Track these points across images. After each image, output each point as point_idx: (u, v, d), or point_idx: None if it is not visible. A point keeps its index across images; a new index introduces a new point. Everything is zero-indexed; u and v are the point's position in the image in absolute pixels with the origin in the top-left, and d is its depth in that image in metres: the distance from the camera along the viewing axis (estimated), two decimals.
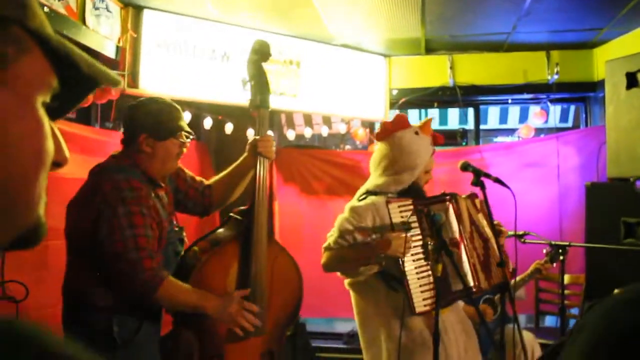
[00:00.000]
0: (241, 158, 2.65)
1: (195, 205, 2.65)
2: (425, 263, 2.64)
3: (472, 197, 2.93)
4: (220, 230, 2.56)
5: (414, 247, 2.65)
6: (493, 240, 2.83)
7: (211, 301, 2.31)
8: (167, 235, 2.35)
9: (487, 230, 2.85)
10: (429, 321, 2.66)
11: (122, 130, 2.47)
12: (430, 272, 2.62)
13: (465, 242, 2.74)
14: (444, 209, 2.75)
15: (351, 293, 2.89)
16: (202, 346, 2.40)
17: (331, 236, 2.79)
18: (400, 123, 2.86)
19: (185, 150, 2.44)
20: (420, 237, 2.66)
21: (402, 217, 2.66)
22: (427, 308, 2.61)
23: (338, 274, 2.88)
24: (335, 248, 2.74)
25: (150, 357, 2.37)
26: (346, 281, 2.88)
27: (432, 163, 2.89)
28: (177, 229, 2.47)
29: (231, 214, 2.56)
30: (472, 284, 2.65)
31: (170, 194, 2.51)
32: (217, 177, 2.71)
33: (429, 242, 2.60)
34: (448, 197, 2.78)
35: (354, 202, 2.84)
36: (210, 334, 2.41)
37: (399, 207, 2.69)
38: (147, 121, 2.34)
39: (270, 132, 2.64)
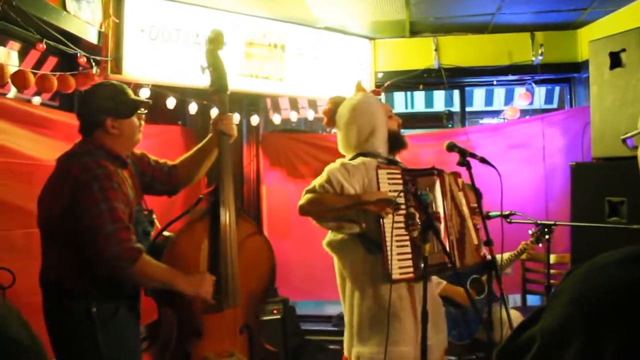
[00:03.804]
0: (206, 138, 2.78)
1: (162, 185, 2.74)
2: (405, 233, 2.64)
3: (456, 175, 2.96)
4: (191, 211, 2.67)
5: (397, 214, 2.64)
6: (469, 220, 2.87)
7: (182, 278, 2.41)
8: (136, 215, 2.42)
9: (465, 210, 2.88)
10: (401, 292, 2.69)
11: (78, 119, 2.51)
12: (408, 243, 2.64)
13: (447, 219, 2.75)
14: (430, 182, 2.76)
15: (331, 254, 2.87)
16: (180, 323, 2.52)
17: (317, 181, 2.74)
18: (335, 103, 2.97)
19: (143, 122, 2.53)
20: (404, 207, 2.66)
21: (389, 184, 2.67)
22: (403, 277, 2.63)
23: (326, 252, 2.87)
24: (319, 192, 2.69)
25: (131, 336, 2.47)
26: (324, 241, 2.85)
27: (387, 106, 2.98)
28: (146, 212, 2.55)
29: (200, 196, 2.69)
30: (447, 259, 2.65)
31: (136, 177, 2.58)
32: (182, 157, 2.81)
33: (415, 214, 2.61)
34: (435, 171, 2.80)
35: (345, 160, 2.83)
36: (186, 310, 2.51)
37: (387, 174, 2.70)
38: (109, 105, 2.42)
39: (237, 115, 2.78)
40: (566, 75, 5.46)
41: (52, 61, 4.08)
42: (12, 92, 3.72)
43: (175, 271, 2.42)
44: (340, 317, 5.34)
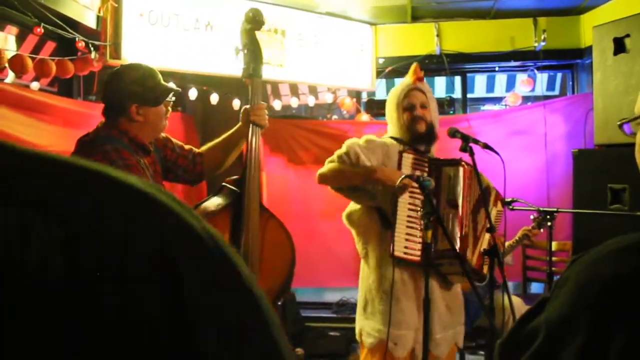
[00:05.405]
0: (235, 127, 2.64)
1: (185, 173, 2.60)
2: (419, 217, 2.64)
3: (497, 194, 2.96)
4: (211, 200, 2.53)
5: (414, 197, 2.67)
6: (484, 231, 2.83)
7: None
8: None
9: (484, 220, 2.83)
10: (404, 276, 2.70)
11: (102, 101, 2.38)
12: (420, 228, 2.63)
13: (465, 209, 2.74)
14: (455, 172, 2.76)
15: (349, 227, 2.92)
16: None
17: (337, 152, 2.81)
18: None
19: (170, 109, 2.41)
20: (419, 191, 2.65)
21: (413, 169, 2.71)
22: (406, 256, 2.64)
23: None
24: (337, 162, 2.77)
25: None
26: (344, 213, 2.90)
27: (413, 98, 2.88)
28: None
29: (223, 184, 2.54)
30: (458, 247, 2.65)
31: (158, 165, 2.45)
32: (209, 145, 2.67)
33: (432, 200, 2.59)
34: (463, 162, 2.79)
35: (371, 136, 2.89)
36: None
37: (413, 158, 2.75)
38: (135, 90, 2.26)
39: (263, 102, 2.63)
40: (569, 61, 5.42)
41: (50, 46, 4.05)
42: (10, 77, 3.69)
43: None
44: (339, 304, 5.35)
